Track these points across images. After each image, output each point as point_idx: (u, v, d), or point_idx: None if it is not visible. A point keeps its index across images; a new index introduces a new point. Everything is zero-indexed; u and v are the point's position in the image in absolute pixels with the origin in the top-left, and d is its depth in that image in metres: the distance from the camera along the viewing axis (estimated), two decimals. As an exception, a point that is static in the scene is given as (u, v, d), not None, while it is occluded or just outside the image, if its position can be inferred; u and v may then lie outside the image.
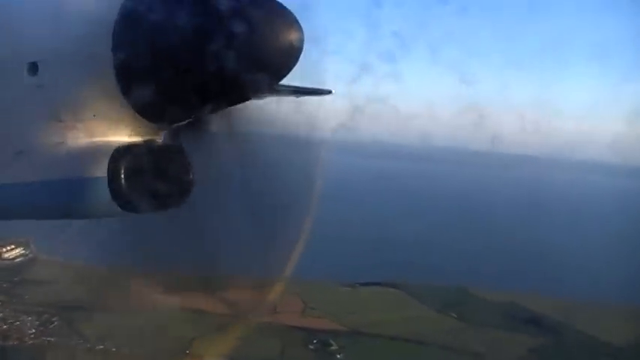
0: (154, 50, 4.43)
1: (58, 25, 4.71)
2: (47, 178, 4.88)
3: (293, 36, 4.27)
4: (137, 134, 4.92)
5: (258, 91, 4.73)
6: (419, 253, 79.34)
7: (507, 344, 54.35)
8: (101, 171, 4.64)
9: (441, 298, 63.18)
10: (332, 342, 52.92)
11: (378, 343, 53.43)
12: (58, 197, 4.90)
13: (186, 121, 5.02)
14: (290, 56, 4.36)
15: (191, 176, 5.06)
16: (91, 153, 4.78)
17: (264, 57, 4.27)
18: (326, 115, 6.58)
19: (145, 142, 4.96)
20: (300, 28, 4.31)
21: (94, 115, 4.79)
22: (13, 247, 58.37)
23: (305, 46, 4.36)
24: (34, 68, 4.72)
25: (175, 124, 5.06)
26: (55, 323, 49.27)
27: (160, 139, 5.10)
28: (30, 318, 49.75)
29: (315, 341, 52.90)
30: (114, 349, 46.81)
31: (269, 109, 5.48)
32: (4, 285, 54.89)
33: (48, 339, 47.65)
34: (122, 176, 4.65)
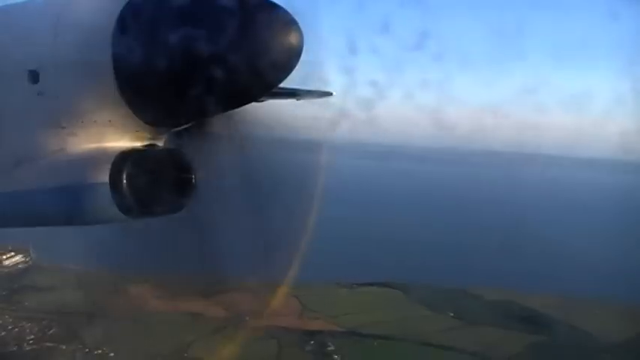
0: (152, 55, 4.43)
1: (58, 33, 4.70)
2: (49, 185, 4.89)
3: (292, 38, 4.27)
4: (138, 139, 4.93)
5: (258, 94, 4.78)
6: (416, 253, 79.47)
7: (505, 342, 54.28)
8: (103, 177, 4.64)
9: (438, 297, 63.01)
10: (329, 343, 52.96)
11: (375, 344, 53.46)
12: (60, 204, 4.90)
13: (188, 124, 5.06)
14: (290, 58, 4.35)
15: (193, 181, 5.06)
16: (93, 159, 4.77)
17: (264, 59, 4.28)
18: (327, 117, 6.63)
19: (147, 146, 4.97)
20: (299, 30, 4.30)
21: (95, 121, 4.80)
22: (12, 254, 58.15)
23: (305, 48, 4.35)
24: (34, 76, 4.72)
25: (176, 128, 5.09)
26: (54, 329, 49.15)
27: (161, 144, 5.11)
28: (29, 324, 49.66)
29: (312, 342, 52.96)
30: (112, 354, 46.79)
31: (270, 112, 5.49)
32: (4, 292, 54.70)
33: (47, 344, 47.58)
34: (124, 182, 4.65)
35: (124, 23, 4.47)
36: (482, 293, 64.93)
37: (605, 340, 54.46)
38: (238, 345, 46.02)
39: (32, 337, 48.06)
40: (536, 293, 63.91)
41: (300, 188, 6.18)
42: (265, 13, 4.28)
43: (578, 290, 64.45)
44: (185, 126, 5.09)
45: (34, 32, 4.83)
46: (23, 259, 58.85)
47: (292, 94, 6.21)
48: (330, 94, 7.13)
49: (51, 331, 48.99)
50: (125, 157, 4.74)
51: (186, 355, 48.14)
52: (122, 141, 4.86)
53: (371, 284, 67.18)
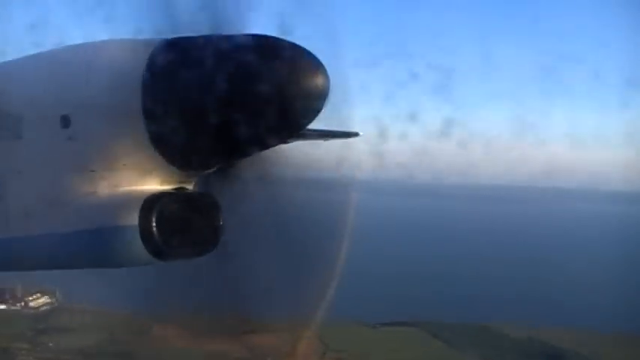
0: (181, 100, 4.52)
1: (89, 78, 4.79)
2: (79, 228, 4.90)
3: (319, 81, 4.31)
4: (168, 182, 4.95)
5: (286, 137, 4.81)
6: (439, 291, 78.26)
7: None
8: (132, 220, 4.66)
9: (462, 335, 61.86)
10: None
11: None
12: (90, 247, 4.91)
13: (216, 167, 5.08)
14: (317, 101, 4.40)
15: (221, 223, 5.06)
16: (122, 202, 4.80)
17: (291, 103, 4.32)
18: (353, 157, 6.67)
19: (176, 190, 5.00)
20: (325, 73, 4.35)
21: (125, 165, 4.83)
22: (38, 295, 58.58)
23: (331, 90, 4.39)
24: (66, 120, 4.78)
25: (205, 171, 5.11)
26: None
27: (190, 186, 5.13)
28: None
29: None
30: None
31: (297, 152, 5.52)
32: (29, 333, 54.96)
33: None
34: (153, 225, 4.66)
35: (152, 68, 4.55)
36: (506, 330, 63.45)
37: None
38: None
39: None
40: (560, 327, 62.45)
41: (328, 228, 6.13)
42: (292, 58, 4.35)
43: (605, 324, 62.78)
44: (214, 169, 5.13)
45: (66, 78, 4.93)
46: (49, 301, 59.18)
47: (320, 135, 6.24)
48: (356, 134, 7.18)
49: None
50: (154, 200, 4.77)
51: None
52: (151, 184, 4.89)
53: (394, 323, 66.17)
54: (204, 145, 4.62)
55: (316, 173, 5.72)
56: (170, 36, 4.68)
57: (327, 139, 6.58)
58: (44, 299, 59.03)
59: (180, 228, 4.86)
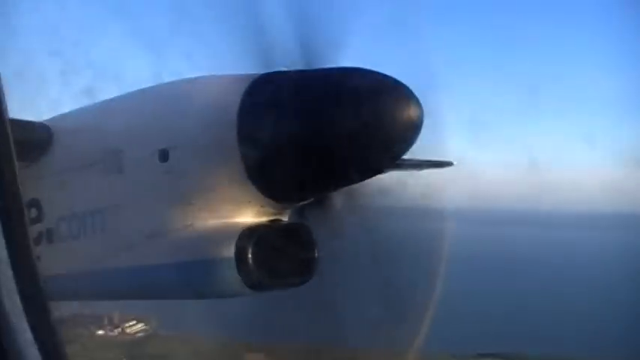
0: (276, 133, 4.62)
1: (186, 113, 4.96)
2: (177, 260, 5.03)
3: (414, 112, 4.38)
4: (263, 214, 5.02)
5: (382, 168, 4.88)
6: (539, 324, 74.55)
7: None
8: (229, 252, 4.76)
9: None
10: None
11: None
12: (188, 278, 5.02)
13: (312, 199, 5.16)
14: (411, 132, 4.46)
15: (316, 254, 5.10)
16: (219, 234, 4.90)
17: (386, 135, 4.40)
18: (448, 185, 6.78)
19: (271, 221, 5.07)
20: (419, 104, 4.41)
21: (222, 198, 4.94)
22: (134, 322, 60.73)
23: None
24: (164, 155, 4.93)
25: (301, 203, 5.19)
26: None
27: (285, 218, 5.21)
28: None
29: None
30: None
31: (392, 183, 5.57)
32: (125, 359, 56.93)
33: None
34: (249, 257, 4.74)
35: (248, 102, 4.68)
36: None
37: None
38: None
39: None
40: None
41: (423, 258, 6.15)
42: (387, 90, 4.43)
43: None
44: (309, 200, 5.19)
45: (164, 113, 5.13)
46: (145, 327, 61.20)
47: (414, 164, 6.25)
48: (450, 163, 7.22)
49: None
50: (250, 232, 4.85)
51: None
52: (247, 216, 4.97)
53: (489, 355, 63.59)
54: (300, 177, 4.69)
55: (411, 202, 5.76)
56: (265, 71, 4.80)
57: (421, 169, 6.60)
58: (140, 326, 60.96)
59: (276, 260, 4.90)
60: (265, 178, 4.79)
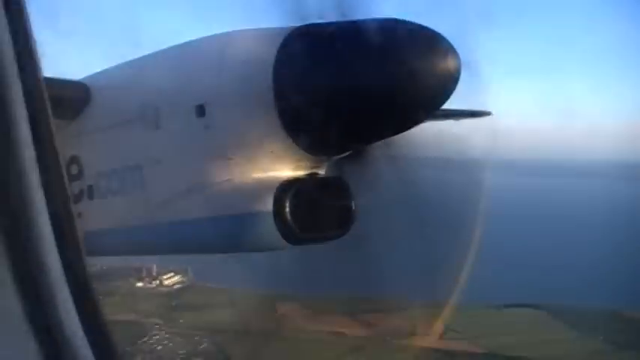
0: (313, 86, 4.56)
1: (222, 68, 4.89)
2: (216, 214, 5.03)
3: (451, 63, 4.28)
4: (300, 168, 4.99)
5: (420, 119, 4.75)
6: (569, 274, 74.05)
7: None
8: (267, 206, 4.75)
9: (588, 319, 58.00)
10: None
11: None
12: (227, 232, 5.02)
13: (349, 152, 5.11)
14: (450, 82, 4.36)
15: (354, 207, 5.08)
16: (257, 189, 4.89)
17: (424, 86, 4.31)
18: (485, 135, 6.49)
19: (308, 175, 5.05)
20: (457, 55, 4.31)
21: (259, 152, 4.92)
22: (172, 274, 62.49)
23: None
24: (201, 110, 4.91)
25: (337, 156, 5.15)
26: (205, 345, 51.30)
27: (322, 172, 5.18)
28: (182, 340, 52.38)
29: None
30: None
31: (429, 133, 5.45)
32: (162, 310, 58.69)
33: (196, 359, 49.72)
34: (287, 210, 4.72)
35: (283, 56, 4.62)
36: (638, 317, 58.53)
37: None
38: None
39: (184, 352, 50.45)
40: None
41: (461, 209, 6.07)
42: (425, 40, 4.33)
43: None
44: (346, 153, 5.15)
45: (199, 69, 5.09)
46: (182, 279, 62.99)
47: (451, 114, 6.16)
48: (488, 113, 7.04)
49: (201, 347, 51.39)
50: (288, 186, 4.84)
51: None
52: (284, 170, 4.95)
53: (519, 305, 63.79)
54: (337, 130, 4.61)
55: (448, 153, 5.64)
56: (300, 24, 4.71)
57: (458, 119, 6.49)
58: (177, 278, 62.79)
59: (313, 213, 4.89)
60: (302, 132, 4.74)
